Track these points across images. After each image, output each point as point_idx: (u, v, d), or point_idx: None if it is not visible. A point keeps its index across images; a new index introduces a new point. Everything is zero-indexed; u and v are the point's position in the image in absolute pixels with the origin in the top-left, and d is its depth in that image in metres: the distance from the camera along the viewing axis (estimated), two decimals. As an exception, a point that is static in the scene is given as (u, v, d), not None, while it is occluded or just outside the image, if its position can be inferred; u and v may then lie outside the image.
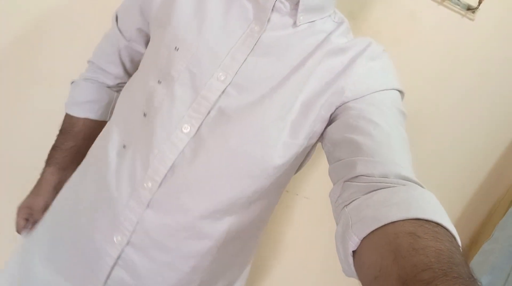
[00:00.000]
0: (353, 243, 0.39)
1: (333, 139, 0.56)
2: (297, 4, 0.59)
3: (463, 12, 1.07)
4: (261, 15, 0.59)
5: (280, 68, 0.58)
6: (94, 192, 0.62)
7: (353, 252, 0.40)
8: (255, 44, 0.58)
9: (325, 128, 0.60)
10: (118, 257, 0.59)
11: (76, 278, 0.61)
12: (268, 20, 0.59)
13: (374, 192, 0.44)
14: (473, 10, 1.06)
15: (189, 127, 0.57)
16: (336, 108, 0.58)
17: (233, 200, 0.59)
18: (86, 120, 0.77)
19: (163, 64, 0.60)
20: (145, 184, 0.57)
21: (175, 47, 0.58)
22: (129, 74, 0.79)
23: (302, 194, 1.15)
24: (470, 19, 1.08)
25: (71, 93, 0.78)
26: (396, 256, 0.34)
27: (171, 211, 0.58)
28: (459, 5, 1.05)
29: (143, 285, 0.60)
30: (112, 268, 0.59)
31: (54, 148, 0.77)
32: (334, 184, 0.52)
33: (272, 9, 0.59)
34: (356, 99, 0.57)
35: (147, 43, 0.71)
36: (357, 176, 0.48)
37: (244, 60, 0.58)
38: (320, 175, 1.11)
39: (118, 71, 0.77)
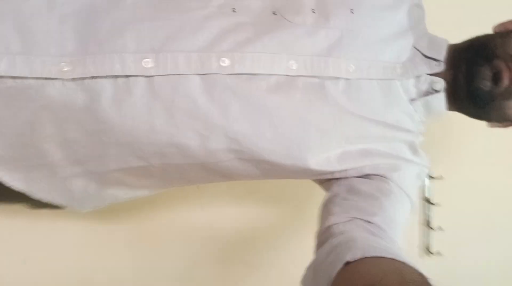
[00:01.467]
0: (354, 256, 0.41)
1: (358, 188, 0.59)
2: (429, 92, 0.63)
3: (422, 251, 1.16)
4: (409, 68, 0.62)
5: (380, 112, 0.60)
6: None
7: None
8: (386, 80, 0.60)
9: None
10: (125, 75, 0.50)
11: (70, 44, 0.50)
12: (407, 78, 0.62)
13: (380, 238, 0.50)
14: (428, 253, 1.16)
15: (295, 66, 0.55)
16: (378, 175, 0.61)
17: (252, 151, 0.56)
18: None
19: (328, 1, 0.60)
20: (222, 59, 0.51)
21: (351, 10, 0.59)
22: None
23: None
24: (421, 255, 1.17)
25: None
26: (402, 280, 0.37)
27: (213, 102, 0.52)
28: (423, 245, 1.15)
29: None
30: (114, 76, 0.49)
31: None
32: (334, 212, 0.55)
33: (416, 76, 0.62)
34: (397, 185, 0.60)
35: None
36: (370, 222, 0.52)
37: (371, 79, 0.59)
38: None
39: None
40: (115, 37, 0.50)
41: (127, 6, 0.52)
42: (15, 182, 0.58)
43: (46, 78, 0.48)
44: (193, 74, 0.50)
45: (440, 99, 0.63)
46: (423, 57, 0.63)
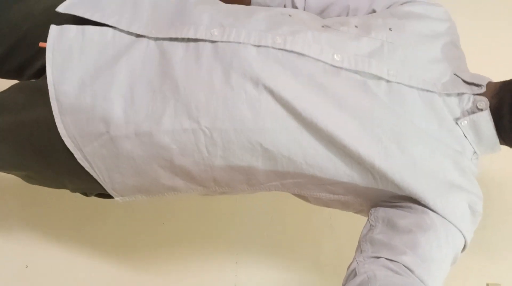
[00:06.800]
0: None
1: (395, 222, 0.58)
2: (473, 113, 0.61)
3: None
4: (449, 86, 0.62)
5: (422, 120, 0.60)
6: None
7: None
8: (427, 91, 0.60)
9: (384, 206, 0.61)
10: (195, 39, 0.59)
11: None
12: (448, 94, 0.61)
13: (404, 277, 0.51)
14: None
15: (339, 58, 0.59)
16: (411, 200, 0.58)
17: (296, 110, 0.58)
18: None
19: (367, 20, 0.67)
20: (275, 38, 0.59)
21: (390, 28, 0.64)
22: None
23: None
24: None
25: None
26: None
27: (265, 67, 0.58)
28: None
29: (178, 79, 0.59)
30: (188, 39, 0.59)
31: None
32: (364, 249, 0.57)
33: (458, 94, 0.62)
34: (437, 213, 0.57)
35: None
36: (397, 262, 0.53)
37: (411, 87, 0.60)
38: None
39: None
40: (196, 16, 0.62)
41: (208, 4, 0.66)
42: (67, 139, 0.61)
43: (137, 35, 0.61)
44: (251, 44, 0.58)
45: (486, 119, 0.61)
46: (464, 82, 0.63)
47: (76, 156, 0.61)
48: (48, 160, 0.64)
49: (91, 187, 0.67)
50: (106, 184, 0.64)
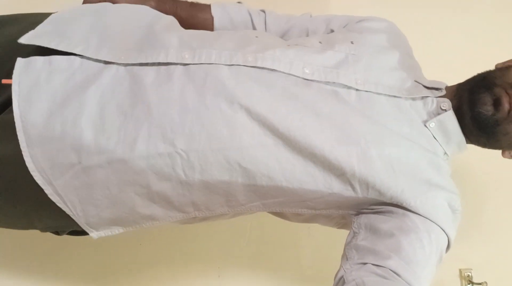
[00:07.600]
0: None
1: (377, 227, 0.59)
2: (438, 113, 0.64)
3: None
4: (413, 91, 0.64)
5: (394, 124, 0.62)
6: None
7: None
8: (394, 97, 0.63)
9: (363, 212, 0.63)
10: (166, 63, 0.59)
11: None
12: (413, 99, 0.64)
13: (391, 281, 0.52)
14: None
15: (308, 71, 0.61)
16: (392, 204, 0.60)
17: (273, 125, 0.58)
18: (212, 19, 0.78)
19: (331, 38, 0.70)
20: (246, 56, 0.60)
21: (351, 42, 0.66)
22: None
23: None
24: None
25: (230, 5, 0.80)
26: None
27: (238, 85, 0.58)
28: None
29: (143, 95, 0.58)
30: (159, 63, 0.59)
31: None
32: (350, 257, 0.57)
33: (422, 98, 0.65)
34: (418, 214, 0.59)
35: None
36: (383, 267, 0.54)
37: (379, 93, 0.62)
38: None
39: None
40: (164, 39, 0.62)
41: (176, 28, 0.68)
42: (35, 173, 0.57)
43: (106, 62, 0.59)
44: (222, 64, 0.59)
45: (451, 118, 0.64)
46: (425, 88, 0.67)
47: (46, 191, 0.58)
48: (15, 198, 0.61)
49: (63, 223, 0.64)
50: (80, 218, 0.62)
